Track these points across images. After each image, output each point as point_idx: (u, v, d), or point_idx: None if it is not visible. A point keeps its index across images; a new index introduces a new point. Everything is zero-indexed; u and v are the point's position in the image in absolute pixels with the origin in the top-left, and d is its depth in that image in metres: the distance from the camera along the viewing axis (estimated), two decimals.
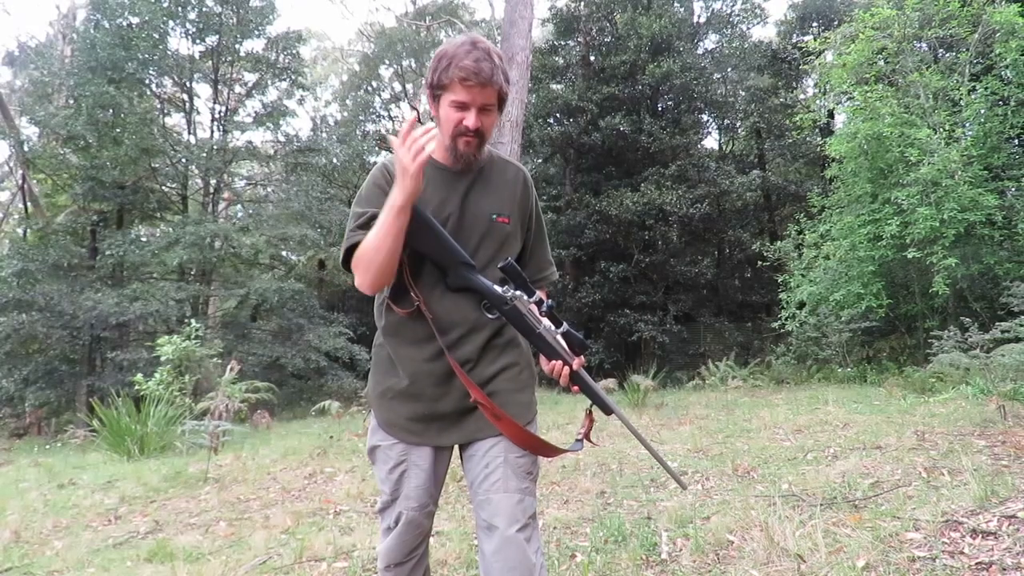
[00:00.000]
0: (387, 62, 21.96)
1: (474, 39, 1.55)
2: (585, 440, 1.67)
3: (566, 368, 1.58)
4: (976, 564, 2.15)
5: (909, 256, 8.47)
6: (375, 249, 1.50)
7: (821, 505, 2.90)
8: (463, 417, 1.63)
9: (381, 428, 1.68)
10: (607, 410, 1.64)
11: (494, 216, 1.64)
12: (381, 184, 1.60)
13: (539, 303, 1.58)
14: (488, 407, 1.57)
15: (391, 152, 1.59)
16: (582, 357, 1.62)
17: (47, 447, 9.52)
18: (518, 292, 1.55)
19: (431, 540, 3.02)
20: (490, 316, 1.59)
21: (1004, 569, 2.09)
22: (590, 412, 1.68)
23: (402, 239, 1.49)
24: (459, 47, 1.53)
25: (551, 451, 1.66)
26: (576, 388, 1.61)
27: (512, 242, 1.68)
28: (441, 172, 1.64)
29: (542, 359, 1.64)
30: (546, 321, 1.60)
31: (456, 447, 1.69)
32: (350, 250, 1.55)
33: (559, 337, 1.60)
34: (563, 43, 17.14)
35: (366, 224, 1.54)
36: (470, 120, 1.55)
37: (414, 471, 1.64)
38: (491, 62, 1.52)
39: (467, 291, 1.57)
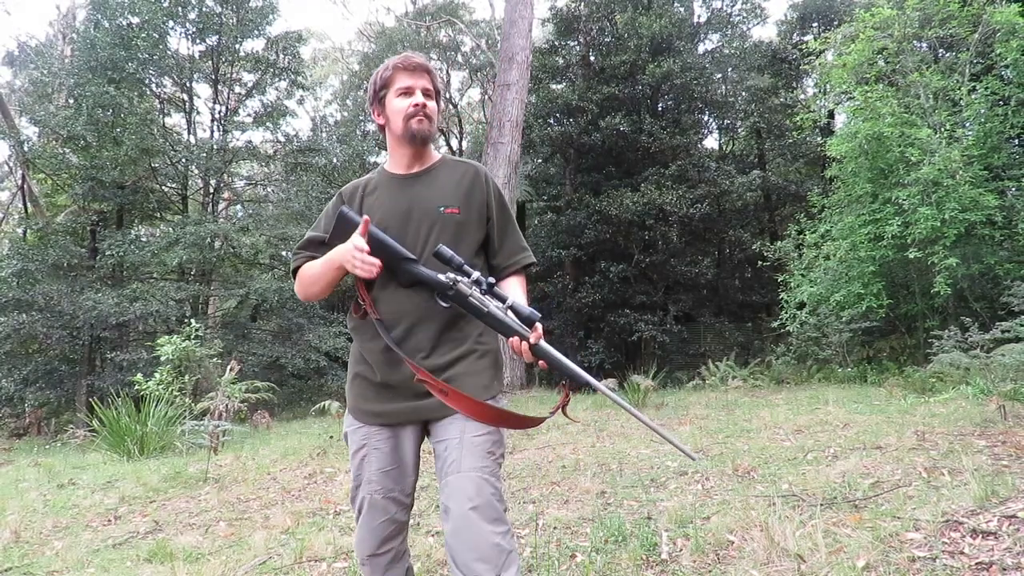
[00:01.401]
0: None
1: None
2: (563, 414, 1.62)
3: (524, 343, 1.56)
4: (976, 564, 2.15)
5: (910, 256, 8.47)
6: (312, 281, 1.74)
7: (821, 505, 2.90)
8: (421, 398, 1.65)
9: (350, 413, 1.77)
10: (581, 381, 1.57)
11: (442, 208, 1.73)
12: (332, 212, 1.78)
13: (477, 283, 1.59)
14: (433, 384, 1.58)
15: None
16: (539, 329, 1.59)
17: (47, 447, 9.52)
18: (458, 277, 1.60)
19: (430, 540, 3.03)
20: (444, 305, 1.62)
21: (1004, 569, 2.09)
22: (566, 385, 1.63)
23: (335, 284, 1.73)
24: (388, 59, 1.80)
25: (513, 420, 1.65)
26: (543, 363, 1.57)
27: (468, 231, 1.75)
28: (392, 179, 1.80)
29: (507, 341, 1.62)
30: (494, 300, 1.61)
31: (427, 439, 1.72)
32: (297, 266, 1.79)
33: (509, 312, 1.59)
34: (563, 43, 17.14)
35: (308, 245, 1.79)
36: (416, 98, 1.73)
37: (374, 454, 1.68)
38: (421, 57, 1.76)
39: (418, 284, 1.64)
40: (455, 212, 1.74)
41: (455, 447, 1.59)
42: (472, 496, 1.52)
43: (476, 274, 1.60)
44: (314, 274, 1.73)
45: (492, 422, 1.61)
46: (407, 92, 1.74)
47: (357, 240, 1.61)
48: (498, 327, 1.60)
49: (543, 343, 1.57)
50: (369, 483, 1.67)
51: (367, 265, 1.59)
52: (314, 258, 1.76)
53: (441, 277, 1.61)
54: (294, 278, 1.81)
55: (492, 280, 1.60)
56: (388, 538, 1.68)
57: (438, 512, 1.87)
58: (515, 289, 1.79)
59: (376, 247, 1.64)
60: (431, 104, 1.75)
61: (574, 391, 1.62)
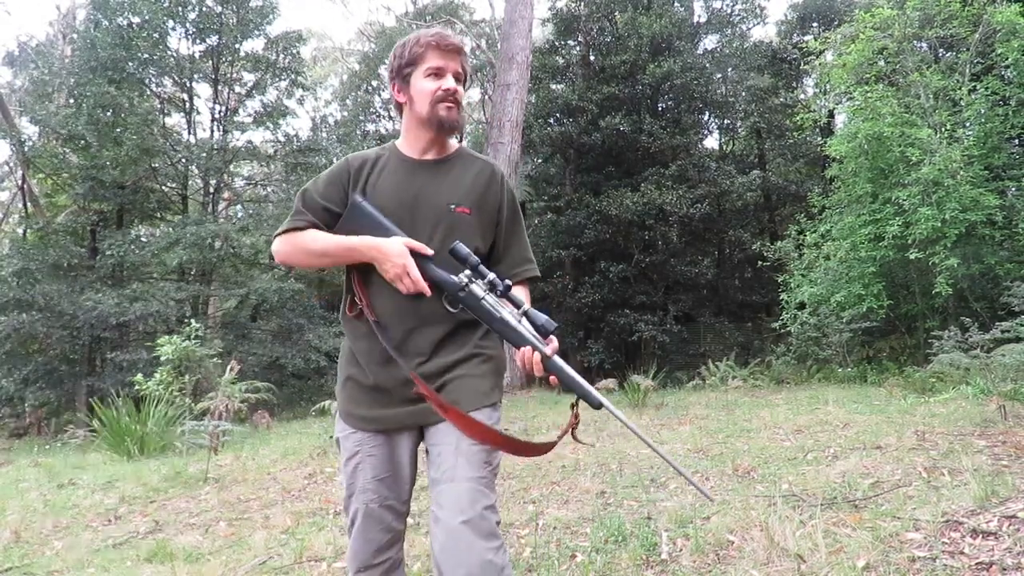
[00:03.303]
0: (387, 62, 21.94)
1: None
2: (572, 438, 1.52)
3: (536, 354, 1.44)
4: (976, 564, 2.15)
5: (911, 257, 8.47)
6: (316, 253, 1.60)
7: (821, 505, 2.90)
8: (416, 402, 1.55)
9: (341, 418, 1.66)
10: (594, 403, 1.45)
11: (452, 206, 1.61)
12: (342, 182, 1.65)
13: (492, 285, 1.47)
14: (433, 399, 1.48)
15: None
16: (554, 341, 1.47)
17: (47, 447, 9.51)
18: (473, 276, 1.48)
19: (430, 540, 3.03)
20: (452, 310, 1.52)
21: (1004, 569, 2.09)
22: (575, 407, 1.52)
23: (340, 265, 1.60)
24: (419, 31, 1.64)
25: (517, 447, 1.54)
26: (554, 378, 1.46)
27: (475, 234, 1.63)
28: (403, 162, 1.66)
29: (515, 352, 1.49)
30: (508, 305, 1.49)
31: (423, 444, 1.62)
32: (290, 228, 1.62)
33: (523, 320, 1.46)
34: (563, 43, 17.14)
35: (316, 211, 1.62)
36: (448, 83, 1.60)
37: (368, 461, 1.57)
38: (456, 37, 1.63)
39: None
40: (465, 212, 1.62)
41: (450, 454, 1.49)
42: (465, 508, 1.42)
43: (492, 275, 1.48)
44: (324, 249, 1.58)
45: (494, 445, 1.50)
46: (437, 73, 1.60)
47: (409, 260, 1.49)
48: (509, 335, 1.47)
49: (557, 358, 1.45)
50: (363, 492, 1.57)
51: (414, 286, 1.48)
52: (317, 226, 1.61)
53: (452, 277, 1.49)
54: (277, 239, 1.64)
55: (508, 283, 1.48)
56: (384, 548, 1.58)
57: None
58: (521, 296, 1.65)
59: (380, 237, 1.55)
60: (461, 90, 1.62)
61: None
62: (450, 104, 1.60)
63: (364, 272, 1.59)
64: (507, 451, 1.52)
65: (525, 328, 1.46)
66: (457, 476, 1.46)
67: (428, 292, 1.49)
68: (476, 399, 1.55)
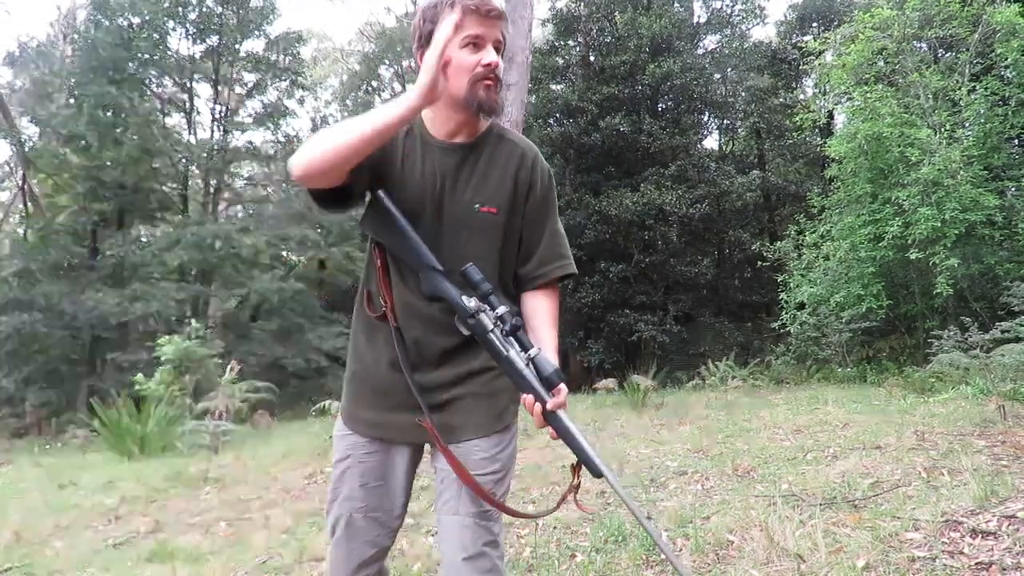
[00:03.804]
0: (387, 62, 21.97)
1: None
2: (574, 503, 1.39)
3: (538, 405, 1.30)
4: (976, 564, 2.15)
5: (911, 257, 8.47)
6: (364, 134, 1.24)
7: (821, 505, 2.90)
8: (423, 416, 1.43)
9: (341, 416, 1.53)
10: (594, 471, 1.31)
11: (477, 205, 1.41)
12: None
13: (501, 320, 1.32)
14: (433, 435, 1.38)
15: None
16: (563, 394, 1.32)
17: (47, 447, 9.52)
18: (483, 305, 1.33)
19: (430, 540, 3.03)
20: (465, 331, 1.37)
21: (1004, 569, 2.09)
22: (577, 468, 1.37)
23: (360, 156, 1.26)
24: None
25: (507, 511, 1.43)
26: (553, 434, 1.33)
27: (503, 237, 1.45)
28: (430, 147, 1.43)
29: (521, 395, 1.35)
30: (515, 346, 1.33)
31: (431, 455, 1.51)
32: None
33: (530, 366, 1.32)
34: (563, 43, 17.14)
35: None
36: (489, 56, 1.34)
37: (358, 467, 1.45)
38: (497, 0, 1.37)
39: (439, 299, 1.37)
40: (492, 212, 1.42)
41: (453, 484, 1.40)
42: (467, 546, 1.36)
43: (503, 309, 1.32)
44: (355, 127, 1.25)
45: (485, 500, 1.38)
46: (476, 43, 1.33)
47: (435, 60, 1.22)
48: (513, 377, 1.34)
49: (561, 413, 1.32)
50: (349, 499, 1.44)
51: (440, 51, 1.23)
52: None
53: (466, 301, 1.33)
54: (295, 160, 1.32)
55: (518, 322, 1.33)
56: (367, 563, 1.45)
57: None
58: (540, 318, 1.48)
59: (395, 238, 1.39)
60: (502, 64, 1.37)
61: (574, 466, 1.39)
62: (490, 81, 1.35)
63: (390, 270, 1.44)
64: (499, 510, 1.41)
65: (531, 374, 1.32)
66: (460, 510, 1.39)
67: (442, 77, 1.25)
68: (483, 425, 1.43)
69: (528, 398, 1.32)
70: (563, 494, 1.40)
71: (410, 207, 1.39)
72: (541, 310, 1.50)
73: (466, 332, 1.37)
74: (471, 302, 1.33)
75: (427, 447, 1.52)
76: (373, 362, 1.47)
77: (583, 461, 1.33)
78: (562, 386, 1.32)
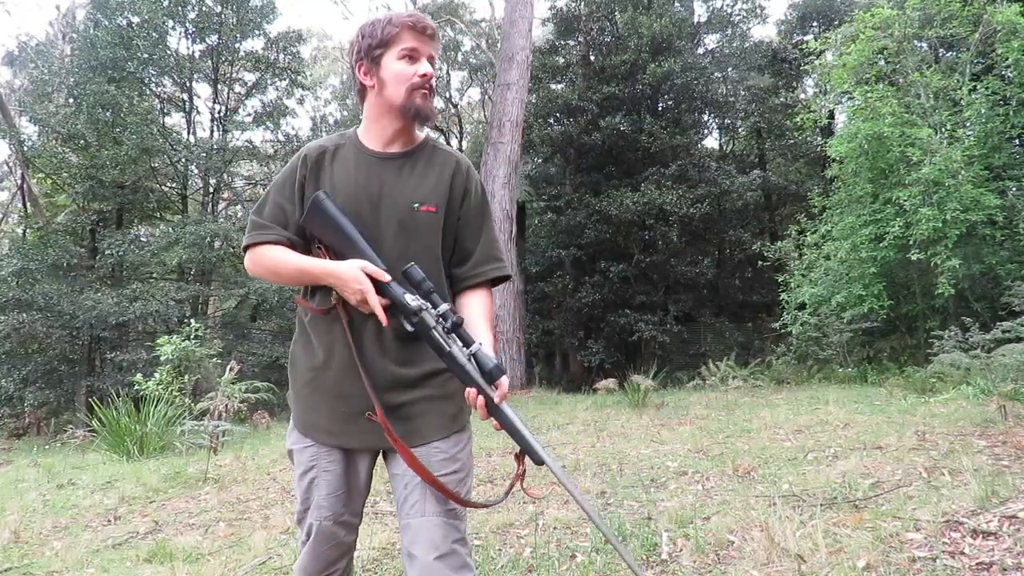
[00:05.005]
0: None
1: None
2: (522, 490, 1.43)
3: (480, 398, 1.36)
4: (977, 564, 2.15)
5: (912, 257, 8.46)
6: (277, 272, 1.52)
7: (821, 505, 2.90)
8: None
9: (296, 428, 1.56)
10: (536, 459, 1.36)
11: (416, 205, 1.50)
12: (300, 178, 1.54)
13: (443, 317, 1.38)
14: (390, 435, 1.41)
15: None
16: (503, 386, 1.37)
17: (46, 447, 9.51)
18: (425, 304, 1.39)
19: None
20: (410, 329, 1.41)
21: (1004, 569, 2.09)
22: (521, 456, 1.42)
23: (306, 283, 1.52)
24: (391, 12, 1.56)
25: (461, 502, 1.46)
26: (496, 425, 1.37)
27: (441, 235, 1.53)
28: (364, 155, 1.54)
29: (466, 392, 1.40)
30: (457, 342, 1.39)
31: (382, 459, 1.55)
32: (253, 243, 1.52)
33: (472, 360, 1.37)
34: (563, 43, 17.14)
35: (278, 220, 1.52)
36: (424, 67, 1.49)
37: (324, 477, 1.50)
38: (432, 21, 1.54)
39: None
40: (431, 211, 1.51)
41: (418, 487, 1.44)
42: (439, 544, 1.40)
43: (444, 307, 1.39)
44: (278, 270, 1.51)
45: (449, 497, 1.43)
46: (412, 56, 1.48)
47: (367, 284, 1.39)
48: (457, 372, 1.38)
49: (504, 406, 1.36)
50: (318, 508, 1.49)
51: (373, 308, 1.40)
52: (280, 243, 1.50)
53: (409, 300, 1.39)
54: (245, 251, 1.54)
55: (458, 319, 1.38)
56: (334, 561, 1.53)
57: None
58: (476, 316, 1.53)
59: (338, 239, 1.45)
60: (435, 78, 1.51)
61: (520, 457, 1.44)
62: (426, 91, 1.48)
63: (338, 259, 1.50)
64: (454, 501, 1.45)
65: (473, 367, 1.37)
66: (428, 510, 1.43)
67: (385, 321, 1.40)
68: (442, 426, 1.49)
69: (471, 392, 1.36)
70: (511, 482, 1.44)
71: (348, 210, 1.47)
72: (478, 309, 1.56)
73: (411, 329, 1.41)
74: (414, 301, 1.39)
75: (380, 458, 1.56)
76: (327, 365, 1.50)
77: (525, 450, 1.38)
78: (503, 379, 1.37)
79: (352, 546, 1.57)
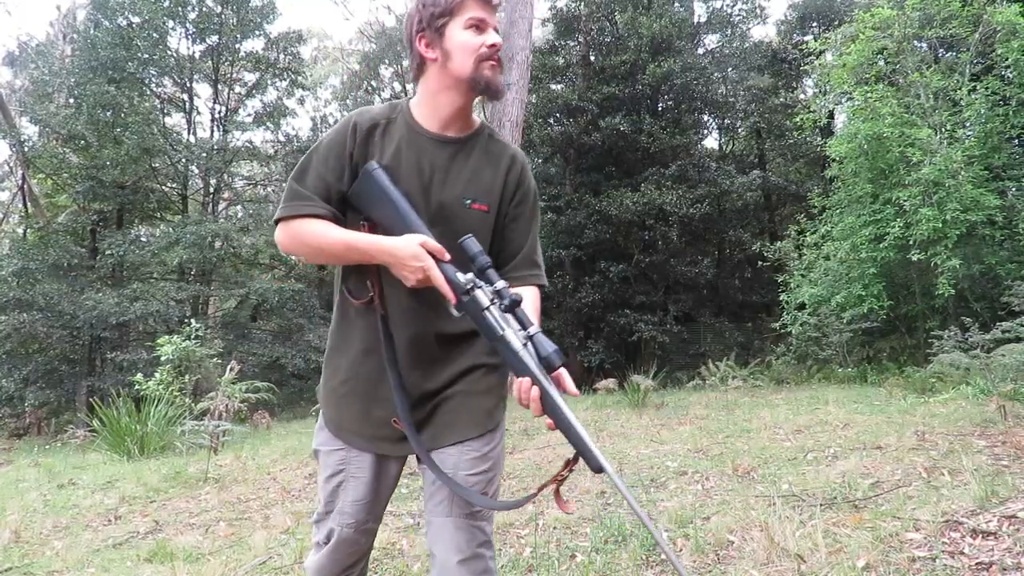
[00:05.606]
0: (387, 62, 21.95)
1: None
2: (555, 499, 1.29)
3: (535, 389, 1.21)
4: (976, 564, 2.15)
5: (913, 258, 8.47)
6: (319, 250, 1.37)
7: (821, 505, 2.90)
8: (417, 428, 1.40)
9: (326, 428, 1.48)
10: (595, 466, 1.19)
11: (467, 201, 1.39)
12: (347, 149, 1.39)
13: (499, 295, 1.25)
14: (412, 439, 1.36)
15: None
16: (565, 379, 1.26)
17: (47, 447, 9.52)
18: (478, 281, 1.27)
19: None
20: (456, 314, 1.30)
21: (1004, 569, 2.09)
22: (573, 461, 1.28)
23: (352, 263, 1.39)
24: None
25: (491, 505, 1.41)
26: (551, 423, 1.22)
27: (489, 235, 1.43)
28: (418, 136, 1.41)
29: (514, 379, 1.27)
30: (514, 323, 1.25)
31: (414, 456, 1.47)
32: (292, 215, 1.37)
33: (528, 345, 1.23)
34: (563, 43, 17.14)
35: (320, 190, 1.37)
36: (492, 37, 1.36)
37: (352, 483, 1.42)
38: None
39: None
40: (482, 209, 1.40)
41: (445, 486, 1.38)
42: (462, 548, 1.35)
43: (501, 283, 1.25)
44: (322, 246, 1.36)
45: (471, 499, 1.36)
46: (479, 26, 1.36)
47: (429, 261, 1.27)
48: (509, 359, 1.24)
49: (560, 401, 1.21)
50: (342, 514, 1.42)
51: (438, 285, 1.27)
52: (323, 216, 1.36)
53: (460, 276, 1.28)
54: (277, 224, 1.39)
55: (517, 297, 1.24)
56: (351, 565, 1.48)
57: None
58: (527, 308, 1.36)
59: (391, 216, 1.33)
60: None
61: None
62: (495, 63, 1.36)
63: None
64: (479, 504, 1.39)
65: (529, 355, 1.23)
66: (454, 511, 1.37)
67: (454, 298, 1.27)
68: (474, 424, 1.40)
69: (524, 382, 1.22)
70: (543, 483, 1.32)
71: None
72: (527, 302, 1.40)
73: (457, 314, 1.30)
74: (464, 278, 1.27)
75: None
76: (363, 364, 1.43)
77: (582, 455, 1.21)
78: (563, 370, 1.25)
79: (370, 549, 1.52)
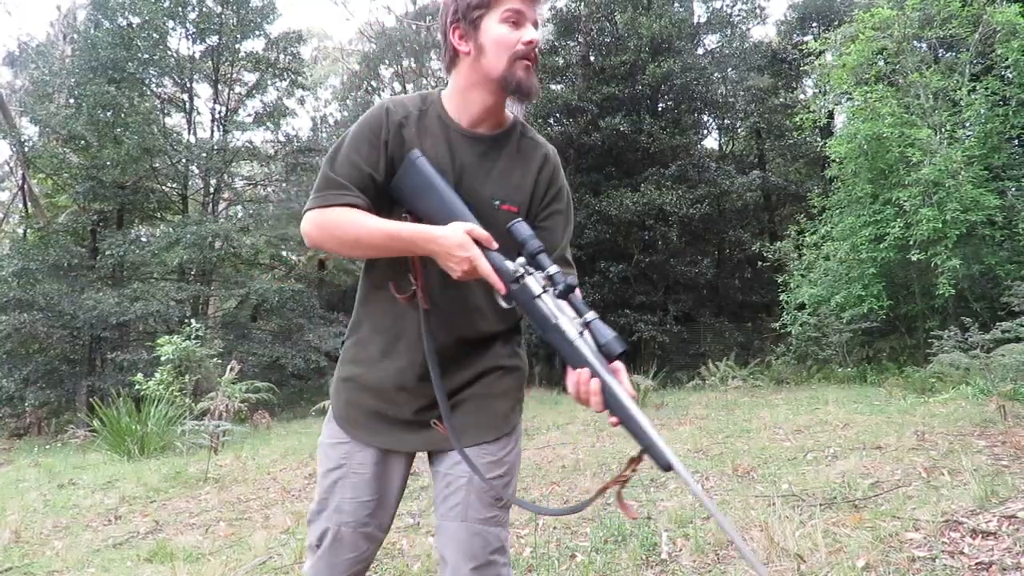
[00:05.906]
0: (387, 62, 21.95)
1: None
2: (618, 502, 1.17)
3: (595, 381, 1.10)
4: (976, 564, 2.15)
5: (913, 258, 8.47)
6: (356, 240, 1.26)
7: (821, 505, 2.90)
8: (428, 427, 1.35)
9: (333, 420, 1.41)
10: (662, 463, 1.07)
11: (496, 202, 1.32)
12: (378, 133, 1.30)
13: (551, 281, 1.17)
14: (453, 440, 1.30)
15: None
16: (622, 372, 1.14)
17: (47, 447, 9.52)
18: (528, 268, 1.19)
19: (430, 540, 3.03)
20: (505, 306, 1.23)
21: (1004, 569, 2.09)
22: (638, 459, 1.14)
23: (393, 254, 1.29)
24: None
25: (529, 508, 1.45)
26: (614, 420, 1.12)
27: None
28: (449, 131, 1.33)
29: (568, 372, 1.17)
30: (567, 308, 1.17)
31: (427, 455, 1.41)
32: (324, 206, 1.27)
33: (585, 334, 1.14)
34: (563, 43, 17.13)
35: (355, 178, 1.27)
36: (530, 33, 1.27)
37: (351, 479, 1.34)
38: None
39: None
40: (512, 211, 1.32)
41: (462, 489, 1.31)
42: (476, 554, 1.29)
43: (553, 268, 1.17)
44: (359, 236, 1.25)
45: (501, 502, 1.31)
46: (517, 21, 1.27)
47: (475, 250, 1.19)
48: (564, 350, 1.15)
49: (622, 392, 1.11)
50: (339, 512, 1.34)
51: (485, 276, 1.19)
52: (358, 206, 1.26)
53: (508, 264, 1.19)
54: (306, 213, 1.29)
55: (572, 282, 1.16)
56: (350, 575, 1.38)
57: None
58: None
59: (436, 206, 1.25)
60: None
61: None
62: (530, 62, 1.29)
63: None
64: (529, 510, 1.34)
65: (586, 344, 1.13)
66: (469, 516, 1.30)
67: (503, 289, 1.20)
68: (490, 428, 1.35)
69: (583, 373, 1.12)
70: (605, 484, 1.21)
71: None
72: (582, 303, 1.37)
73: (507, 306, 1.23)
74: (512, 265, 1.20)
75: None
76: (385, 359, 1.36)
77: (648, 451, 1.09)
78: (620, 364, 1.15)
79: (370, 559, 1.41)
